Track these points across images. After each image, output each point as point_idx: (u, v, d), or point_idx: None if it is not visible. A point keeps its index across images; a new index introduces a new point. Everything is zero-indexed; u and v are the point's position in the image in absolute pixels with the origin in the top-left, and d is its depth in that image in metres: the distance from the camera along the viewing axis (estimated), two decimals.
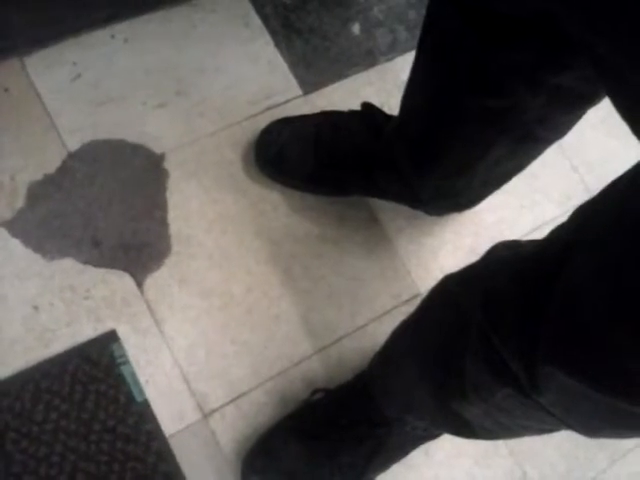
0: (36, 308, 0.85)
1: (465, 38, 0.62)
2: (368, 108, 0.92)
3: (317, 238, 0.95)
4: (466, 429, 0.65)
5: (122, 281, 0.88)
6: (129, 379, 0.84)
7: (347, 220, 0.97)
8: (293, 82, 1.01)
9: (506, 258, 0.60)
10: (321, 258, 0.94)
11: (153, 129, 0.95)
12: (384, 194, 0.93)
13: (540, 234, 1.00)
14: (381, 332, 0.92)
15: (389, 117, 0.91)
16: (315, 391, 0.86)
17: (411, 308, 0.91)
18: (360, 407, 0.80)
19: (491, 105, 0.66)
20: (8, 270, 0.86)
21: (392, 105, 1.01)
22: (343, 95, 1.02)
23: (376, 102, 0.96)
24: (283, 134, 0.94)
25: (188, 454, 0.83)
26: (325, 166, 0.92)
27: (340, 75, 1.02)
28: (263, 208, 0.95)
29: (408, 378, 0.71)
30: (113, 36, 0.98)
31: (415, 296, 0.95)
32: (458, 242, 0.99)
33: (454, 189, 0.85)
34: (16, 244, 0.87)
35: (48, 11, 0.91)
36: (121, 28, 0.99)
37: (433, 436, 0.81)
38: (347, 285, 0.94)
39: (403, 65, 1.04)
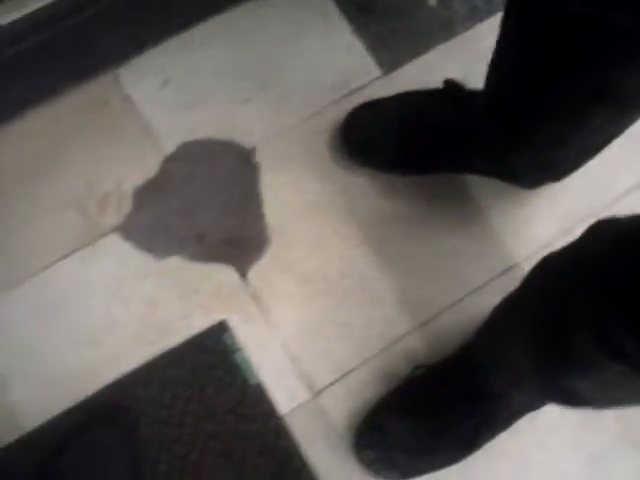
0: (153, 305, 0.93)
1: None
2: (451, 85, 0.91)
3: (408, 218, 0.97)
4: (575, 400, 0.66)
5: (227, 274, 0.94)
6: (242, 365, 0.91)
7: (437, 197, 0.98)
8: (372, 64, 1.02)
9: (610, 234, 0.59)
10: (414, 238, 0.96)
11: (241, 125, 0.99)
12: (476, 170, 0.93)
13: (637, 195, 0.98)
14: (479, 305, 0.93)
15: (473, 92, 0.90)
16: (417, 367, 0.89)
17: (507, 280, 0.94)
18: (463, 381, 0.83)
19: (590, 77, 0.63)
20: (125, 272, 0.93)
21: (475, 76, 1.00)
22: (424, 71, 1.01)
23: (458, 75, 0.96)
24: (367, 119, 0.95)
25: (303, 430, 0.89)
26: (411, 148, 0.93)
27: (419, 51, 1.02)
28: (352, 193, 0.98)
29: (514, 353, 0.72)
30: (193, 39, 1.02)
31: (511, 267, 0.96)
32: (552, 209, 0.97)
33: (551, 161, 0.84)
34: (129, 247, 0.94)
35: (129, 28, 0.96)
36: (199, 30, 1.02)
37: (540, 406, 0.83)
38: (441, 262, 0.96)
39: (483, 33, 1.02)
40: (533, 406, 0.83)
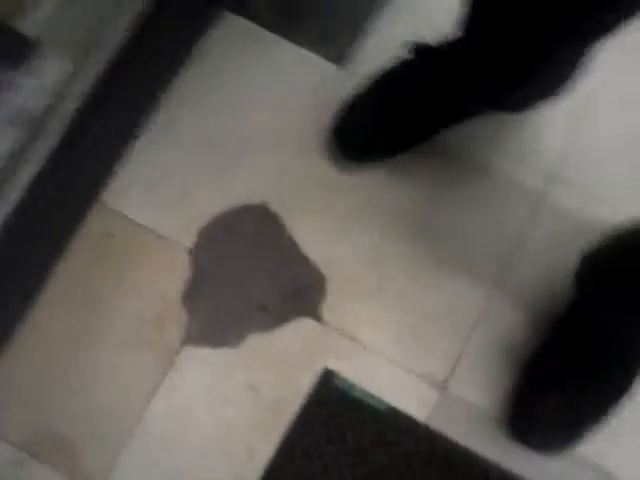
0: (255, 389, 0.92)
1: None
2: (417, 51, 0.88)
3: (439, 192, 0.97)
4: None
5: (305, 325, 0.94)
6: (364, 398, 0.91)
7: (452, 160, 0.97)
8: (328, 65, 1.00)
9: None
10: (453, 208, 0.96)
11: (242, 186, 0.97)
12: (473, 115, 0.93)
13: None
14: (529, 253, 0.95)
15: (444, 45, 0.87)
16: None
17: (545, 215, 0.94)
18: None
19: None
20: (214, 374, 0.93)
21: (433, 24, 0.97)
22: (379, 47, 0.99)
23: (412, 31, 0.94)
24: (349, 122, 0.94)
25: (452, 426, 0.90)
26: (402, 122, 0.92)
27: (362, 28, 1.00)
28: (377, 194, 0.96)
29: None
30: (150, 134, 0.99)
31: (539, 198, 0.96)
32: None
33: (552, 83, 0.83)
34: (206, 351, 0.93)
35: (99, 153, 0.93)
36: (152, 121, 1.00)
37: None
38: (478, 222, 0.96)
39: None
40: None
